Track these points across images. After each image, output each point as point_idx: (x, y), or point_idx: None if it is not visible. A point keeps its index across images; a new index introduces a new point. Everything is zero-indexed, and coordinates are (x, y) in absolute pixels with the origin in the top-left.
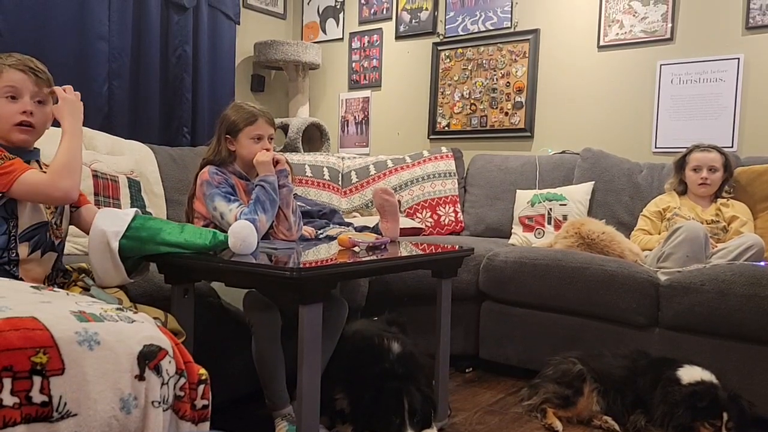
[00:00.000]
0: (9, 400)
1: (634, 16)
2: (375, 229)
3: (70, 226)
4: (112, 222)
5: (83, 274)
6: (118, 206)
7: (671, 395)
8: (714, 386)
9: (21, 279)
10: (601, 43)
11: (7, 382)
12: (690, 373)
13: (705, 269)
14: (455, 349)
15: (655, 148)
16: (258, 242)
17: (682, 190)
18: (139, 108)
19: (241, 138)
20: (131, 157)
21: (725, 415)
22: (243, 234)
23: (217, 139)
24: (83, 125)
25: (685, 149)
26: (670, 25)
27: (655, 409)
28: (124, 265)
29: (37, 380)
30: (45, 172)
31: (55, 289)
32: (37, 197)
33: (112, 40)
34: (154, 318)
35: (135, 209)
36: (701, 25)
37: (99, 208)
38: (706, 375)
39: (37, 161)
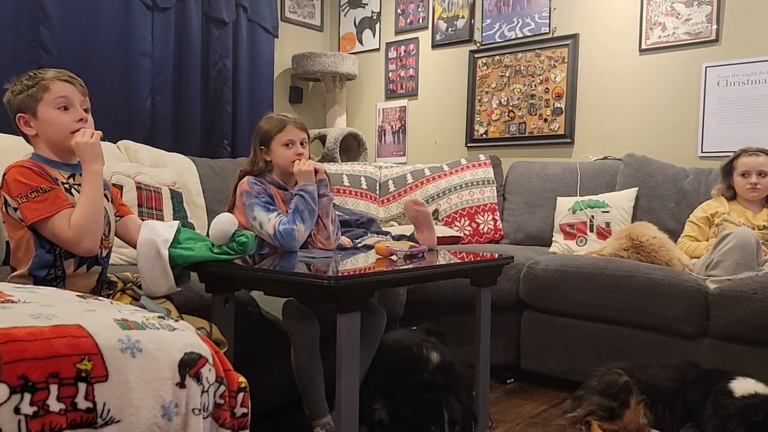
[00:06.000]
0: (55, 406)
1: (677, 18)
2: (413, 238)
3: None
4: (160, 231)
5: (130, 284)
6: (161, 217)
7: (724, 408)
8: None
9: None
10: (643, 47)
11: (54, 389)
12: (743, 386)
13: (757, 277)
14: (496, 359)
15: (702, 152)
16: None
17: (731, 195)
18: (181, 121)
19: (274, 146)
20: (173, 169)
21: None
22: (219, 222)
23: (253, 150)
24: (126, 139)
25: (732, 153)
26: (715, 26)
27: (706, 422)
28: None
29: (82, 387)
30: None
31: (99, 298)
32: (57, 243)
33: (154, 56)
34: (200, 328)
35: (177, 222)
36: (748, 25)
37: (143, 218)
38: (760, 387)
39: (81, 175)
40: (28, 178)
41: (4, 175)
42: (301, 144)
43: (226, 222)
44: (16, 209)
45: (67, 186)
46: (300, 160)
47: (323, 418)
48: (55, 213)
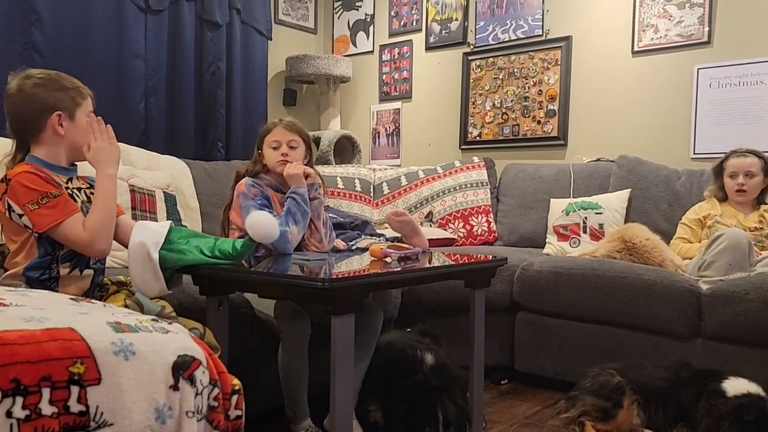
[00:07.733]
0: (48, 409)
1: (669, 20)
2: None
3: None
4: (150, 234)
5: (124, 287)
6: (155, 220)
7: (716, 408)
8: (761, 399)
9: None
10: (636, 49)
11: (46, 392)
12: (736, 386)
13: (749, 278)
14: (490, 360)
15: (694, 153)
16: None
17: (723, 196)
18: (175, 124)
19: (264, 148)
20: (167, 172)
21: None
22: (253, 223)
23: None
24: (119, 141)
25: (724, 155)
26: (707, 28)
27: (699, 422)
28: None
29: (74, 390)
30: (83, 201)
31: (92, 301)
32: (70, 247)
33: (148, 59)
34: (192, 329)
35: (170, 221)
36: (740, 27)
37: (136, 221)
38: (752, 387)
39: (78, 178)
40: (37, 184)
41: (7, 180)
42: (290, 146)
43: (268, 225)
44: (21, 215)
45: (69, 192)
46: (284, 162)
47: (305, 421)
48: (68, 217)
